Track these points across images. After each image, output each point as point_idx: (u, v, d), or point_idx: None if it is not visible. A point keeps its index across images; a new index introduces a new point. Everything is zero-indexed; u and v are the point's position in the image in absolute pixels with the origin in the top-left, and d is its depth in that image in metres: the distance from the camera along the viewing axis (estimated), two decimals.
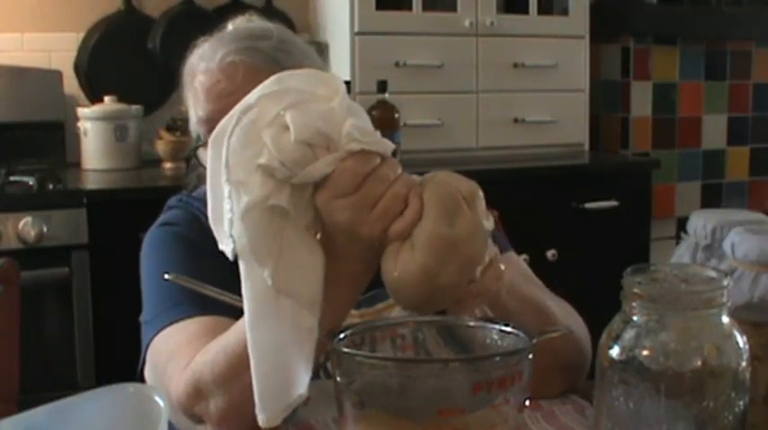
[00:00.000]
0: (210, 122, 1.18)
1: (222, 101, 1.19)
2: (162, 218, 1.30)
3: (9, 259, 1.77)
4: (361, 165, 0.82)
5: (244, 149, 0.81)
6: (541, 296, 1.14)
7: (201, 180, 1.31)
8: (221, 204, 0.84)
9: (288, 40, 1.29)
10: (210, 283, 1.04)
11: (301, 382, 0.81)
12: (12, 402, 1.70)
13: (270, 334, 0.82)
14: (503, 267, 0.91)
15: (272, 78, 0.85)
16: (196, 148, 1.27)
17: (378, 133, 0.84)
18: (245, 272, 0.83)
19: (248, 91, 0.85)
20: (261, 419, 0.83)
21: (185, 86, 1.30)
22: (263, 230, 0.81)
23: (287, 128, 0.81)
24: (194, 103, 1.27)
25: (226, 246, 0.83)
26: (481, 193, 0.89)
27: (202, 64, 1.25)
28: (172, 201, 1.33)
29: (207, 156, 0.86)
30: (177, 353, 1.07)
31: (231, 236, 0.81)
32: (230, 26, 1.32)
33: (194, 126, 1.29)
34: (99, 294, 2.43)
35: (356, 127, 0.83)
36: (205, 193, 1.27)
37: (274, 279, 0.81)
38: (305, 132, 0.81)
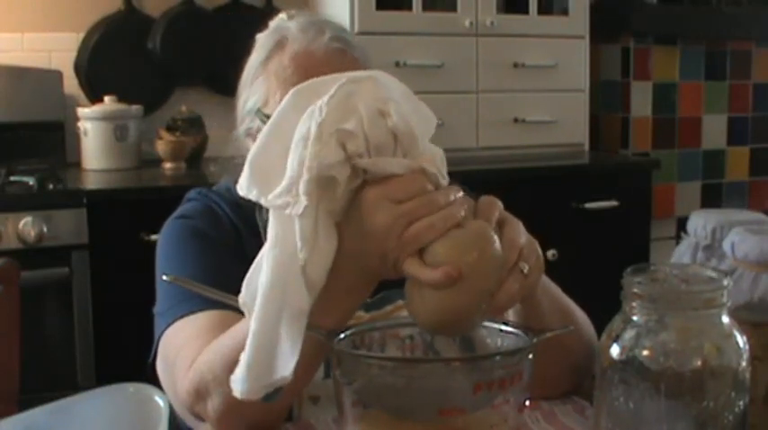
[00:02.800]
0: None
1: None
2: (179, 210, 1.31)
3: (9, 259, 1.77)
4: (428, 185, 0.84)
5: (334, 111, 0.82)
6: (565, 297, 1.14)
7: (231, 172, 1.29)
8: (276, 151, 0.83)
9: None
10: (223, 276, 1.03)
11: (289, 365, 0.80)
12: (12, 402, 1.71)
13: (276, 307, 0.81)
14: (525, 269, 0.89)
15: (381, 72, 0.89)
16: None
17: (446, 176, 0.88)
18: (278, 235, 0.82)
19: None
20: (239, 390, 0.81)
21: (255, 75, 1.26)
22: (313, 198, 0.81)
23: (385, 115, 0.83)
24: (276, 83, 1.23)
25: (278, 199, 0.82)
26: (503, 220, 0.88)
27: (296, 46, 1.23)
28: (191, 193, 1.34)
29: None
30: (185, 348, 1.07)
31: (306, 193, 0.80)
32: (309, 17, 1.30)
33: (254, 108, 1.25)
34: (99, 294, 2.42)
35: (442, 159, 0.88)
36: (225, 187, 1.28)
37: (306, 256, 0.81)
38: (402, 127, 0.83)
